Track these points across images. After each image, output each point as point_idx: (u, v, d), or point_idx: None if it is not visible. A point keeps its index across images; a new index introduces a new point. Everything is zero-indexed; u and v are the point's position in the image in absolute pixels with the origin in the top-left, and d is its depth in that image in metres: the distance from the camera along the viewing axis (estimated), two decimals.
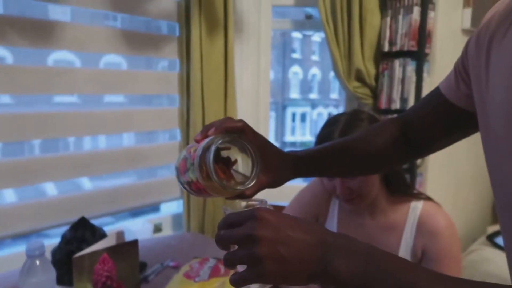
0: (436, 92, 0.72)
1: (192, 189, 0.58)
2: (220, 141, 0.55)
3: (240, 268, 0.47)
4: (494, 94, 0.56)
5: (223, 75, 1.57)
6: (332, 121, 1.05)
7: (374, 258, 0.45)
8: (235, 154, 0.58)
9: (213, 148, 0.53)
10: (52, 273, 0.81)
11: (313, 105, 22.33)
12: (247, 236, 0.45)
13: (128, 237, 1.45)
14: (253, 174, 0.57)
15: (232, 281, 0.46)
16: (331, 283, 0.45)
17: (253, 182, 0.56)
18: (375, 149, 0.76)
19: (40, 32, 1.26)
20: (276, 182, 0.67)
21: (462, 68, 0.66)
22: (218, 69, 1.55)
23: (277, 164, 0.66)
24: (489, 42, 0.58)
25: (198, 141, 0.58)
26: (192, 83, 1.51)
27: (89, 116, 1.43)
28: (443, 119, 0.72)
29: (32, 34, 1.25)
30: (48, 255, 0.81)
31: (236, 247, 0.47)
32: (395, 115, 1.74)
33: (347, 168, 0.77)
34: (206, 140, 0.55)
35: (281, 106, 20.94)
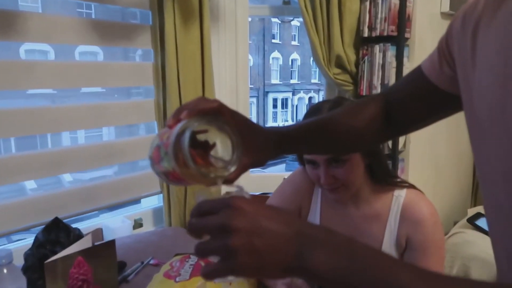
0: (418, 72, 0.70)
1: (170, 179, 0.53)
2: (195, 124, 0.50)
3: (213, 258, 0.44)
4: (480, 77, 0.54)
5: (199, 65, 1.52)
6: (314, 109, 1.02)
7: (355, 252, 0.43)
8: (212, 137, 0.52)
9: (187, 133, 0.48)
10: (22, 281, 0.77)
11: (294, 90, 22.35)
12: (221, 226, 0.42)
13: (107, 234, 1.41)
14: (234, 158, 0.52)
15: (203, 274, 0.44)
16: (307, 278, 0.44)
17: (234, 167, 0.52)
18: (357, 124, 0.75)
19: (9, 23, 1.19)
20: (259, 162, 0.63)
21: (446, 49, 0.64)
22: (195, 59, 1.50)
23: (259, 143, 0.62)
24: (476, 24, 0.55)
25: (170, 127, 0.53)
26: (168, 73, 1.45)
27: (63, 111, 1.37)
28: (425, 100, 0.70)
29: (1, 25, 1.17)
30: (16, 263, 0.77)
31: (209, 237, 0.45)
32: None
33: (330, 144, 0.75)
34: (180, 125, 0.50)
35: (262, 92, 20.87)
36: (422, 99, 0.71)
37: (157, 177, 0.57)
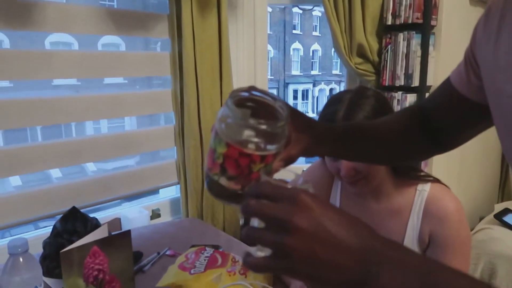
0: (447, 84, 0.68)
1: (229, 174, 0.47)
2: (237, 93, 0.48)
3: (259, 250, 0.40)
4: (506, 69, 0.51)
5: (217, 54, 1.50)
6: (336, 99, 0.99)
7: (436, 277, 0.36)
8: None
9: (230, 100, 0.46)
10: (37, 270, 0.77)
11: (315, 81, 22.11)
12: (280, 220, 0.38)
13: (125, 224, 1.41)
14: (284, 114, 0.48)
15: (248, 263, 0.40)
16: None
17: (287, 118, 0.47)
18: (393, 127, 0.72)
19: (31, 13, 1.20)
20: (313, 151, 0.59)
21: (472, 57, 0.61)
22: (212, 48, 1.48)
23: (310, 128, 0.58)
24: (500, 19, 0.52)
25: None
26: (185, 63, 1.43)
27: (84, 101, 1.38)
28: (458, 112, 0.67)
29: (23, 16, 1.18)
30: (31, 245, 0.77)
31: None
32: (400, 93, 1.69)
33: (365, 149, 0.71)
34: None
35: (283, 83, 20.74)
36: (455, 111, 0.68)
37: (175, 169, 0.54)
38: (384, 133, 0.71)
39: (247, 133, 0.45)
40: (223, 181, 0.47)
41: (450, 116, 0.70)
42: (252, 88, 0.51)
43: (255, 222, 0.41)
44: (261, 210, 0.39)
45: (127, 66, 1.45)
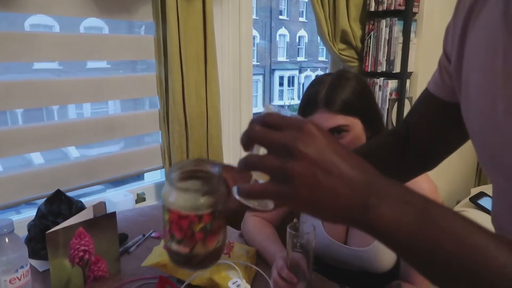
0: (425, 92, 0.70)
1: (176, 237, 0.50)
2: (178, 167, 0.52)
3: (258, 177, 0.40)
4: (469, 62, 0.54)
5: (202, 39, 1.50)
6: (317, 81, 1.02)
7: (430, 211, 0.37)
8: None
9: (169, 174, 0.51)
10: (23, 250, 0.79)
11: (301, 68, 22.09)
12: (286, 145, 0.37)
13: (110, 208, 1.42)
14: (215, 172, 0.51)
15: (242, 191, 0.39)
16: (367, 231, 0.38)
17: (218, 177, 0.51)
18: (377, 159, 0.74)
19: None
20: None
21: (445, 60, 0.63)
22: (197, 33, 1.47)
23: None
24: (467, 16, 0.55)
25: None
26: (169, 48, 1.43)
27: (67, 84, 1.36)
28: (438, 118, 0.69)
29: None
30: (17, 228, 0.78)
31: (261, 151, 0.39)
32: (381, 79, 1.71)
33: None
34: None
35: (269, 69, 20.66)
36: (435, 117, 0.70)
37: (159, 154, 0.57)
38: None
39: (181, 197, 0.49)
40: (174, 246, 0.50)
41: (432, 123, 0.71)
42: (193, 160, 0.54)
43: (256, 152, 0.42)
44: (264, 135, 0.39)
45: (110, 49, 1.44)
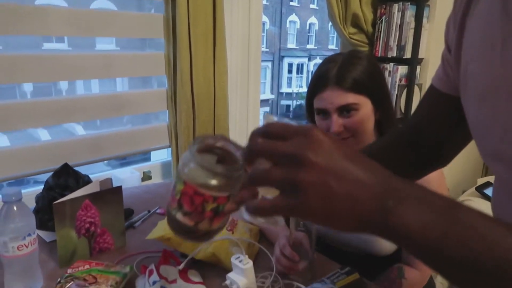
0: (430, 88, 0.70)
1: (184, 209, 0.50)
2: (202, 140, 0.51)
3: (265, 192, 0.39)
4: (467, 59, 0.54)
5: (211, 21, 1.49)
6: (329, 60, 1.03)
7: (453, 211, 0.35)
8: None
9: (192, 145, 0.49)
10: (31, 218, 0.80)
11: (311, 56, 21.89)
12: (293, 154, 0.35)
13: (116, 184, 1.44)
14: (241, 160, 0.49)
15: (253, 207, 0.37)
16: (387, 236, 0.36)
17: (243, 165, 0.48)
18: (381, 146, 0.74)
19: None
20: None
21: (447, 53, 0.63)
22: (206, 13, 1.46)
23: None
24: (466, 6, 0.55)
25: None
26: (178, 27, 1.42)
27: (75, 60, 1.36)
28: (444, 112, 0.68)
29: None
30: (25, 201, 0.79)
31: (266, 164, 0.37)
32: (391, 64, 1.69)
33: None
34: None
35: (278, 56, 20.51)
36: (440, 112, 0.69)
37: (167, 131, 0.57)
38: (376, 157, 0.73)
39: (203, 174, 0.48)
40: (179, 216, 0.50)
41: (438, 118, 0.70)
42: (219, 137, 0.53)
43: (261, 166, 0.40)
44: (269, 147, 0.36)
45: (120, 27, 1.43)
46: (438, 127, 0.71)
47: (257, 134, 0.39)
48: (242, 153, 0.48)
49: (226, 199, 0.48)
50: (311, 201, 0.34)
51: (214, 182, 0.48)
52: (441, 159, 0.75)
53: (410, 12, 1.68)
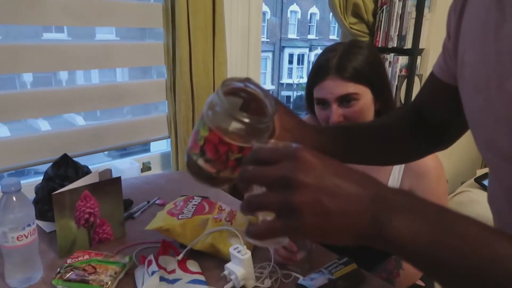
0: (431, 76, 0.70)
1: (207, 157, 0.48)
2: (230, 83, 0.49)
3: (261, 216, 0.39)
4: (464, 51, 0.54)
5: (211, 10, 1.47)
6: (329, 49, 1.02)
7: (443, 219, 0.36)
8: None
9: (220, 90, 0.47)
10: (30, 209, 0.80)
11: (311, 46, 21.76)
12: (283, 178, 0.36)
13: (116, 175, 1.44)
14: (269, 104, 0.49)
15: (251, 234, 0.38)
16: (383, 246, 0.37)
17: (273, 116, 0.48)
18: (386, 123, 0.73)
19: None
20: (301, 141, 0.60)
21: (448, 42, 0.63)
22: (206, 2, 1.45)
23: (297, 128, 0.59)
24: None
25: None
26: (177, 16, 1.41)
27: (75, 49, 1.36)
28: (444, 100, 0.68)
29: None
30: (25, 192, 0.79)
31: (260, 189, 0.38)
32: (392, 55, 1.68)
33: (360, 153, 0.70)
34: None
35: (278, 47, 20.39)
36: (441, 100, 0.69)
37: (166, 122, 0.56)
38: (377, 134, 0.72)
39: (231, 123, 0.46)
40: (200, 162, 0.49)
41: (438, 106, 0.70)
42: (247, 80, 0.52)
43: (255, 192, 0.40)
44: (260, 174, 0.38)
45: (119, 16, 1.42)
46: (438, 114, 0.71)
47: (247, 162, 0.40)
48: (274, 106, 0.49)
49: (251, 150, 0.48)
50: (307, 221, 0.35)
51: (243, 133, 0.47)
52: (441, 143, 0.75)
53: (412, 1, 1.66)
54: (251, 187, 0.41)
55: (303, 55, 21.64)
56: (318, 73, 1.02)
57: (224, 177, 0.49)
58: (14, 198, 0.78)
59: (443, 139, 0.75)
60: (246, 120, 0.46)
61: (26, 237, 0.79)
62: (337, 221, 0.36)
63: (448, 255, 0.35)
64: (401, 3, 1.68)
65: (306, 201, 0.35)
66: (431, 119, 0.72)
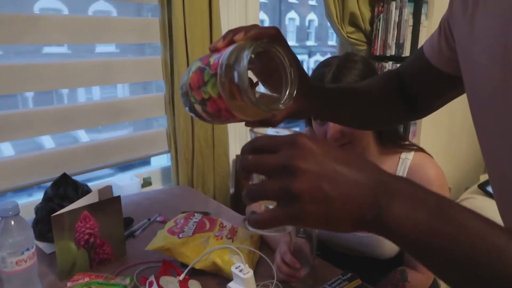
0: (421, 52, 0.69)
1: (207, 109, 0.47)
2: (255, 45, 0.43)
3: (258, 207, 0.40)
4: (479, 52, 0.52)
5: (207, 22, 1.47)
6: (324, 63, 1.01)
7: (444, 209, 0.36)
8: (266, 66, 0.50)
9: (245, 53, 0.42)
10: (29, 232, 0.80)
11: (310, 52, 21.84)
12: (283, 165, 0.36)
13: (116, 192, 1.43)
14: (288, 91, 0.46)
15: (253, 222, 0.37)
16: (382, 233, 0.37)
17: (290, 102, 0.46)
18: (378, 97, 0.73)
19: None
20: (304, 112, 0.58)
21: (447, 27, 0.61)
22: (202, 14, 1.45)
23: (308, 89, 0.57)
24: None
25: (218, 49, 0.47)
26: (175, 31, 1.42)
27: (74, 67, 1.36)
28: (430, 82, 0.69)
29: None
30: (25, 211, 0.79)
31: (261, 178, 0.38)
32: (390, 63, 1.68)
33: (350, 114, 0.70)
34: (233, 46, 0.45)
35: None
36: (426, 80, 0.69)
37: (166, 136, 0.56)
38: (366, 95, 0.72)
39: (244, 101, 0.44)
40: (197, 107, 0.48)
41: (422, 84, 0.71)
42: (277, 36, 0.50)
43: (255, 181, 0.40)
44: (260, 163, 0.37)
45: (116, 32, 1.42)
46: (419, 92, 0.72)
47: (246, 151, 0.39)
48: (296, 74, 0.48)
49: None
50: (308, 208, 0.35)
51: (251, 115, 0.45)
52: (415, 114, 0.77)
53: (408, 9, 1.67)
54: (252, 176, 0.40)
55: (302, 61, 21.58)
56: None
57: (215, 123, 0.50)
58: (12, 222, 0.77)
59: (417, 110, 0.75)
60: (263, 108, 0.44)
61: (25, 262, 0.78)
62: (337, 207, 0.35)
63: (447, 244, 0.35)
64: (398, 11, 1.68)
65: (306, 187, 0.35)
66: (410, 92, 0.73)
